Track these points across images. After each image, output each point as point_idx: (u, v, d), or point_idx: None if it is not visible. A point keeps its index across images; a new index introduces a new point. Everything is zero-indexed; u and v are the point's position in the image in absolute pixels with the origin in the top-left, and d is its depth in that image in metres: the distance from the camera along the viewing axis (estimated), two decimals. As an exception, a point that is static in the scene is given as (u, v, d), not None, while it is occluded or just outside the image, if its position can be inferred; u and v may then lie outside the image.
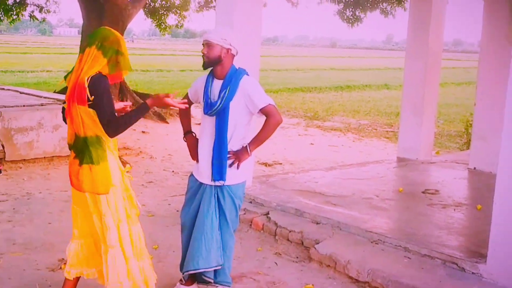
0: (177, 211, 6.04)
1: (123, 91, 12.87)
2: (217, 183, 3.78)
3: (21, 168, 7.50)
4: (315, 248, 4.70)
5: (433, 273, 4.21)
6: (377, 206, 5.63)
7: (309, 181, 6.44)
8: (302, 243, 4.91)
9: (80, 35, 13.27)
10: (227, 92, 3.66)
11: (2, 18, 16.25)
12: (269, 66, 41.38)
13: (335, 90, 24.97)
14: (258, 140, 3.78)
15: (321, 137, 12.29)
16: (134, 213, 3.52)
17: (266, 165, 8.97)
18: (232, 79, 3.69)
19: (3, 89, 10.06)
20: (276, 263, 4.74)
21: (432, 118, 8.20)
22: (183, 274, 3.96)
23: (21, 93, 9.40)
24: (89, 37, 3.34)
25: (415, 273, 4.21)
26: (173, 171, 8.10)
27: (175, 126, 12.21)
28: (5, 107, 7.58)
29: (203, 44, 3.69)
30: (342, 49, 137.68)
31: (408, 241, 4.65)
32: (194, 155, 3.95)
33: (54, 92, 12.16)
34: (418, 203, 5.88)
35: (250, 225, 5.36)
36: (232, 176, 3.80)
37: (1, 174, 7.14)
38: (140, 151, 9.33)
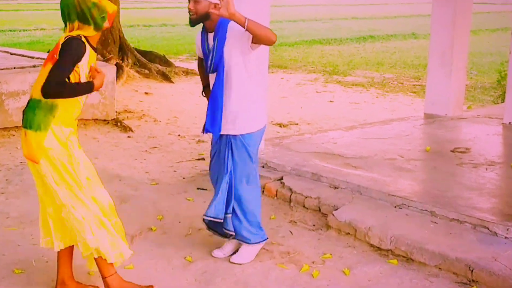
0: (183, 178, 6.10)
1: (124, 49, 12.82)
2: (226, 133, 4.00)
3: (13, 135, 7.53)
4: (333, 215, 4.71)
5: (462, 239, 4.20)
6: (401, 167, 5.60)
7: (326, 142, 6.42)
8: (319, 210, 4.92)
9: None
10: (216, 43, 3.82)
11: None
12: (284, 17, 40.91)
13: (357, 42, 24.67)
14: (256, 23, 3.77)
15: (341, 93, 12.21)
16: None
17: (280, 126, 8.95)
18: (220, 27, 3.84)
19: (-8, 51, 10.06)
20: (291, 232, 4.76)
21: (463, 69, 8.08)
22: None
23: (11, 54, 9.38)
24: (64, 10, 3.35)
25: (442, 239, 4.20)
26: (179, 135, 8.11)
27: (181, 86, 12.21)
28: (-5, 70, 7.60)
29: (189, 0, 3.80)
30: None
31: (435, 205, 4.64)
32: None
33: (48, 52, 12.17)
34: (447, 163, 5.84)
35: (263, 191, 5.35)
36: (244, 125, 3.98)
37: None
38: (143, 114, 9.33)
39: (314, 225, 4.85)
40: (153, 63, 13.13)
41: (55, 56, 3.26)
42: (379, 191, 4.94)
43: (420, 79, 14.14)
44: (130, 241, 4.48)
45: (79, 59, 3.28)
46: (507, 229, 4.18)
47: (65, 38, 3.28)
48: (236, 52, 3.85)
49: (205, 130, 4.05)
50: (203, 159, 6.76)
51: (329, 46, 22.90)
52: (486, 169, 5.63)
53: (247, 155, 4.03)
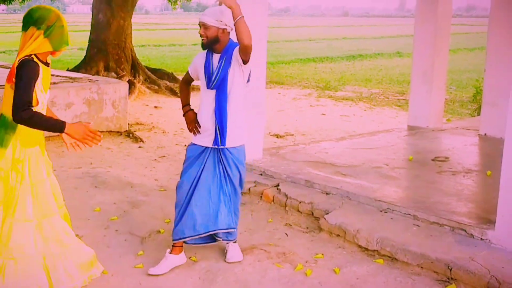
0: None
1: (135, 67, 12.86)
2: (221, 147, 3.99)
3: (36, 146, 7.54)
4: (324, 219, 4.70)
5: (441, 240, 4.19)
6: (386, 175, 5.60)
7: (319, 152, 6.41)
8: (312, 214, 4.91)
9: (91, 12, 13.22)
10: (223, 63, 3.86)
11: (12, -2, 16.26)
12: (281, 37, 41.04)
13: (347, 60, 24.76)
14: (246, 24, 3.70)
15: (333, 107, 12.22)
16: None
17: (277, 137, 8.95)
18: (228, 50, 3.88)
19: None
20: (286, 234, 4.76)
21: (443, 85, 8.09)
22: (183, 240, 4.04)
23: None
24: (26, 17, 3.20)
25: (423, 241, 4.19)
26: (185, 145, 8.10)
27: (187, 101, 12.20)
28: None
29: (199, 25, 3.84)
30: (354, 18, 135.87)
31: (417, 209, 4.63)
32: (192, 129, 4.11)
33: (67, 70, 12.20)
34: (428, 171, 5.84)
35: (261, 197, 5.36)
36: (233, 139, 3.98)
37: None
38: (153, 126, 9.34)
39: (307, 228, 4.84)
40: (162, 80, 13.17)
41: (13, 79, 3.08)
42: (367, 197, 4.93)
43: (404, 93, 14.15)
44: (140, 243, 4.50)
45: (36, 79, 3.09)
46: (483, 232, 4.18)
47: (18, 61, 3.09)
48: (236, 74, 3.89)
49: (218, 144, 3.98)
50: (207, 167, 6.74)
51: (322, 64, 22.98)
52: (464, 176, 5.62)
53: (236, 167, 4.08)
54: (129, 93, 11.78)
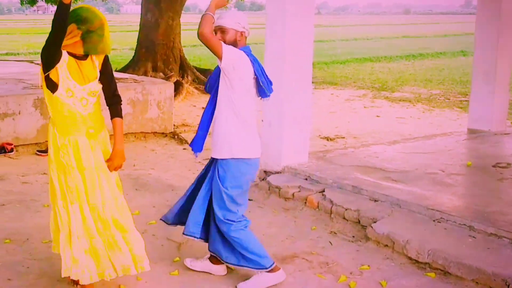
0: (232, 188, 6.03)
1: (184, 67, 12.96)
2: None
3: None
4: (372, 227, 4.54)
5: (499, 254, 3.97)
6: (441, 182, 5.37)
7: (369, 156, 6.24)
8: (359, 222, 4.76)
9: (140, 12, 13.42)
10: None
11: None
12: (337, 36, 40.67)
13: (407, 59, 24.22)
14: (208, 19, 3.54)
15: (388, 108, 11.95)
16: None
17: (327, 139, 8.81)
18: None
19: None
20: (330, 242, 4.63)
21: (506, 85, 7.75)
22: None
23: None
24: (73, 13, 3.30)
25: (479, 254, 3.98)
26: (231, 148, 8.06)
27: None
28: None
29: (215, 30, 3.68)
30: (416, 15, 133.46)
31: (474, 219, 4.41)
32: None
33: (115, 70, 12.40)
34: (488, 178, 5.58)
35: (305, 203, 5.24)
36: (216, 149, 3.76)
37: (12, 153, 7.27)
38: (199, 128, 9.34)
39: (353, 237, 4.70)
40: (210, 80, 13.20)
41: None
42: (418, 205, 4.74)
43: (467, 95, 13.65)
44: (177, 248, 4.47)
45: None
46: (546, 246, 3.93)
47: None
48: (222, 79, 3.65)
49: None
50: (252, 170, 6.68)
51: (380, 63, 22.56)
52: (528, 184, 5.34)
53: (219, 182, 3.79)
54: (176, 94, 11.90)
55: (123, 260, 3.53)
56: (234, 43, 3.65)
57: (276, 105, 5.69)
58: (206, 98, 13.28)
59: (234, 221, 3.77)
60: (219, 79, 3.67)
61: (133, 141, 8.24)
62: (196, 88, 12.61)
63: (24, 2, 16.35)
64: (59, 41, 3.17)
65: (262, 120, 5.90)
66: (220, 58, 3.52)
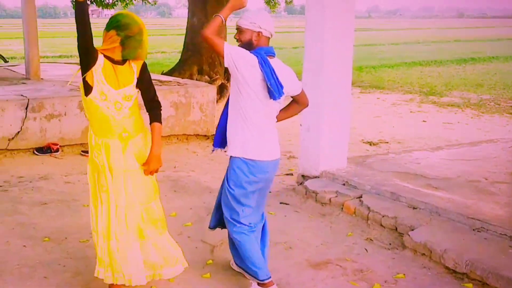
0: (270, 192, 5.96)
1: (229, 70, 12.99)
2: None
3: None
4: (409, 235, 4.44)
5: (541, 267, 3.81)
6: (483, 190, 5.21)
7: (410, 162, 6.11)
8: (396, 229, 4.66)
9: (187, 15, 13.55)
10: None
11: (116, 2, 17.08)
12: (387, 40, 40.15)
13: (457, 63, 23.67)
14: (216, 22, 3.49)
15: (435, 114, 11.68)
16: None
17: (370, 144, 8.67)
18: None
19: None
20: (366, 249, 4.54)
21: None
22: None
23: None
24: (112, 19, 3.37)
25: (520, 266, 3.83)
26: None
27: (280, 105, 12.17)
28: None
29: (236, 29, 3.66)
30: (469, 19, 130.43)
31: (515, 230, 4.25)
32: None
33: (161, 73, 12.56)
34: (534, 187, 5.37)
35: (342, 208, 5.17)
36: (231, 148, 3.71)
37: (58, 153, 7.41)
38: (241, 131, 9.36)
39: (390, 244, 4.60)
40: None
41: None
42: (458, 213, 4.60)
43: (518, 100, 13.28)
44: (211, 251, 4.48)
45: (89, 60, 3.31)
46: None
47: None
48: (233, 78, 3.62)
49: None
50: (291, 174, 6.65)
51: (429, 67, 22.12)
52: None
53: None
54: (220, 97, 11.97)
55: (131, 268, 3.52)
56: (249, 44, 3.58)
57: (314, 109, 5.61)
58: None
59: (238, 222, 3.74)
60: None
61: (176, 143, 8.32)
62: (240, 91, 12.64)
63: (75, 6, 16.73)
64: (84, 41, 3.22)
65: (301, 125, 5.87)
66: (222, 58, 3.50)
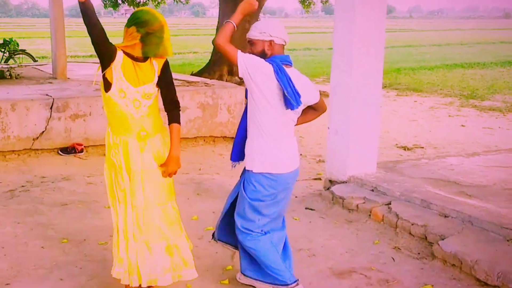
0: (296, 197, 5.98)
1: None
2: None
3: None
4: (438, 245, 4.35)
5: None
6: (521, 199, 5.08)
7: (443, 168, 5.99)
8: (426, 238, 4.57)
9: (218, 15, 13.62)
10: None
11: (147, 1, 17.29)
12: (428, 41, 39.66)
13: (502, 66, 23.20)
14: (228, 27, 3.46)
15: (475, 118, 11.46)
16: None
17: (405, 149, 8.55)
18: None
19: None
20: (393, 258, 4.47)
21: None
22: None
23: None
24: (133, 16, 3.39)
25: (555, 280, 3.71)
26: (301, 154, 8.00)
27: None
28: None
29: (248, 42, 3.61)
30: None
31: (552, 241, 4.13)
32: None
33: (191, 74, 12.66)
34: None
35: (369, 215, 5.10)
36: (249, 162, 3.62)
37: (82, 153, 7.49)
38: (271, 134, 9.34)
39: (418, 254, 4.51)
40: (287, 85, 13.18)
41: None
42: (492, 223, 4.49)
43: None
44: (230, 257, 4.46)
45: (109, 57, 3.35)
46: None
47: None
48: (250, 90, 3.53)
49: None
50: (320, 179, 6.61)
51: (471, 70, 21.74)
52: None
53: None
54: (251, 98, 11.98)
55: (152, 269, 3.55)
56: (263, 54, 3.51)
57: (343, 112, 5.59)
58: (281, 103, 13.20)
59: (252, 231, 3.69)
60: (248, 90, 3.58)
61: (202, 145, 8.35)
62: (271, 92, 12.64)
63: (107, 6, 17.03)
64: (95, 37, 3.26)
65: (328, 128, 5.82)
66: (236, 67, 3.45)
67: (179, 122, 3.59)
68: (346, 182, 5.67)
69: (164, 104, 3.59)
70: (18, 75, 9.78)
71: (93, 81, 8.69)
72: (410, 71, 20.52)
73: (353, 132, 5.57)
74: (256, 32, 3.53)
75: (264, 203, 3.65)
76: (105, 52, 3.32)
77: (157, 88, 3.50)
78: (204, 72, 12.65)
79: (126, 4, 17.79)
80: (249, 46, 3.58)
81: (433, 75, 19.58)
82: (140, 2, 17.46)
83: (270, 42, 3.51)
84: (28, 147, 7.27)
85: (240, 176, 3.84)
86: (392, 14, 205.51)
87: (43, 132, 7.32)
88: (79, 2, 3.18)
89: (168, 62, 3.54)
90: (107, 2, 17.07)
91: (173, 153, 3.52)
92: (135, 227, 3.50)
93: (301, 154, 8.01)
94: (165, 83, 3.53)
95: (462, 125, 10.66)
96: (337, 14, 5.57)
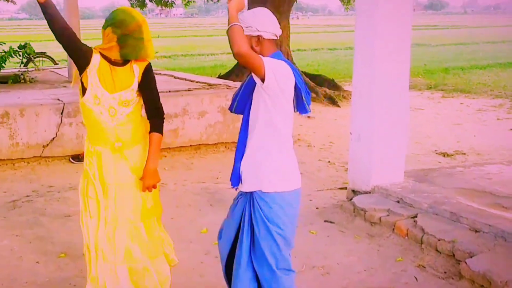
0: (316, 208, 5.83)
1: (292, 72, 12.89)
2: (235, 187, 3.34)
3: (165, 156, 7.81)
4: (466, 263, 4.14)
5: None
6: None
7: (480, 177, 5.75)
8: (453, 255, 4.36)
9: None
10: (248, 80, 3.23)
11: (173, 1, 17.45)
12: (482, 38, 38.84)
13: None
14: (239, 30, 3.00)
15: (527, 122, 11.08)
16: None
17: (444, 155, 8.29)
18: None
19: (160, 74, 10.64)
20: (416, 278, 4.28)
21: None
22: None
23: (175, 77, 9.86)
24: (109, 16, 3.30)
25: None
26: (328, 162, 7.85)
27: (346, 111, 11.90)
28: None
29: None
30: None
31: None
32: None
33: (218, 76, 12.61)
34: None
35: (393, 229, 4.92)
36: (252, 181, 3.20)
37: None
38: (298, 139, 9.20)
39: (444, 273, 4.31)
40: (321, 87, 13.04)
41: None
42: (528, 239, 4.26)
43: None
44: (237, 274, 4.34)
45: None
46: None
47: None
48: (260, 98, 3.13)
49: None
50: (346, 188, 6.43)
51: (527, 69, 21.13)
52: None
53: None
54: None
55: None
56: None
57: (366, 115, 5.42)
58: (313, 106, 13.03)
59: (289, 270, 3.26)
60: (251, 97, 3.19)
61: (223, 152, 8.27)
62: (304, 95, 12.51)
63: (134, 6, 17.19)
64: (66, 43, 3.19)
65: (351, 133, 5.65)
66: (262, 78, 2.99)
67: (160, 132, 3.44)
68: (370, 193, 5.49)
69: (145, 111, 3.46)
70: (32, 79, 9.89)
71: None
72: (459, 70, 20.09)
73: (377, 137, 5.39)
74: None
75: (295, 226, 3.30)
76: (78, 57, 3.24)
77: (135, 95, 3.37)
78: (231, 74, 12.61)
79: (154, 3, 17.94)
80: None
81: (484, 75, 19.10)
82: (168, 1, 17.57)
83: (258, 37, 3.15)
84: (38, 155, 7.32)
85: (232, 212, 3.40)
86: (445, 9, 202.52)
87: (53, 138, 7.35)
88: (38, 3, 3.09)
89: (150, 66, 3.42)
90: (134, 2, 17.23)
91: (149, 166, 3.38)
92: (105, 244, 3.40)
93: (329, 161, 7.87)
94: (147, 89, 3.39)
95: (511, 130, 10.31)
96: (358, 7, 5.42)
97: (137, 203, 3.44)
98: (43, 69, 11.80)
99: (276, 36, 3.21)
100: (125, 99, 3.32)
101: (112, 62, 3.30)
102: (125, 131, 3.36)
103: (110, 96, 3.29)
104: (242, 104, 3.26)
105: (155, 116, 3.44)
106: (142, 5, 17.25)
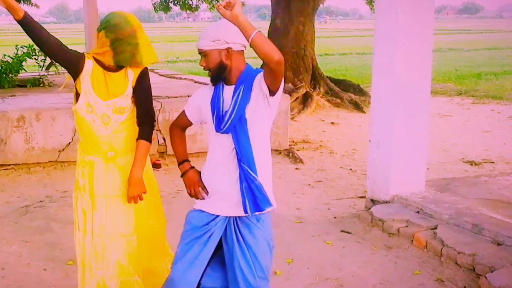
0: (334, 217, 5.74)
1: (316, 78, 12.81)
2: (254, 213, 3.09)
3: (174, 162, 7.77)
4: (485, 278, 4.02)
5: None
6: None
7: (505, 188, 5.60)
8: (474, 269, 4.24)
9: (270, 18, 13.50)
10: (240, 94, 3.03)
11: (198, 5, 17.50)
12: (508, 43, 38.25)
13: None
14: (264, 38, 2.86)
15: None
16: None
17: (471, 164, 8.12)
18: (246, 78, 3.04)
19: (180, 78, 10.63)
20: (434, 292, 4.17)
21: None
22: None
23: (195, 82, 9.83)
24: (104, 19, 3.26)
25: None
26: (350, 169, 7.75)
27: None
28: (168, 97, 7.95)
29: (199, 54, 3.11)
30: None
31: None
32: (198, 190, 3.25)
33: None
34: None
35: (412, 241, 4.81)
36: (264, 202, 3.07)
37: (160, 169, 7.49)
38: (320, 145, 9.12)
39: (464, 287, 4.19)
40: (346, 92, 12.94)
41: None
42: (553, 253, 4.12)
43: None
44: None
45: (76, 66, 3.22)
46: None
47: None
48: (259, 111, 3.04)
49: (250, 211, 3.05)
50: (365, 197, 6.34)
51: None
52: None
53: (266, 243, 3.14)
54: (304, 106, 11.81)
55: None
56: (221, 67, 3.02)
57: (385, 122, 5.33)
58: (338, 112, 13.01)
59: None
60: (244, 114, 3.03)
61: (242, 159, 8.21)
62: (328, 101, 12.41)
63: (158, 10, 17.28)
64: (53, 55, 3.20)
65: (370, 140, 5.55)
66: (276, 89, 2.93)
67: (148, 140, 3.34)
68: (389, 202, 5.39)
69: (136, 117, 3.36)
70: (51, 82, 9.96)
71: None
72: (492, 76, 19.77)
73: (397, 145, 5.29)
74: (207, 40, 3.02)
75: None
76: (68, 65, 3.21)
77: (130, 101, 3.31)
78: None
79: (179, 7, 17.98)
80: (202, 59, 3.08)
81: (504, 81, 18.78)
82: (193, 5, 17.61)
83: (227, 49, 3.01)
84: (54, 159, 7.35)
85: (198, 239, 3.14)
86: (480, 13, 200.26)
87: (69, 143, 7.37)
88: (16, 20, 3.02)
89: (146, 70, 3.35)
90: (158, 6, 17.30)
91: (133, 174, 3.28)
92: (93, 259, 3.32)
93: (350, 169, 7.77)
94: (141, 94, 3.32)
95: (543, 137, 10.09)
96: (377, 9, 5.33)
97: (129, 216, 3.37)
98: (63, 73, 11.87)
99: (245, 47, 3.07)
100: (120, 106, 3.27)
101: (106, 68, 3.25)
102: (118, 139, 3.31)
103: (103, 103, 3.24)
104: (234, 123, 3.05)
105: (145, 123, 3.34)
106: (166, 9, 17.31)
